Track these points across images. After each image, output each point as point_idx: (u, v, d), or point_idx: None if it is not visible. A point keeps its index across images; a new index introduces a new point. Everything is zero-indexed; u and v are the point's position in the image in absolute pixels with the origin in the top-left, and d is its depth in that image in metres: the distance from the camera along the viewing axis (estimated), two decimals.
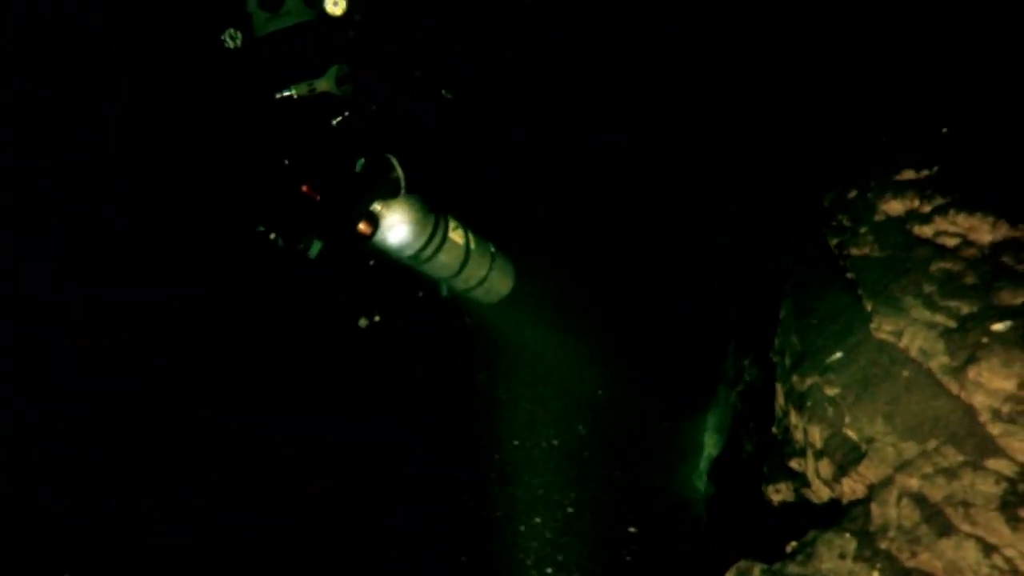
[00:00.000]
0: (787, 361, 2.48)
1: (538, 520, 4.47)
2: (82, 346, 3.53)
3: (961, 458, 1.61)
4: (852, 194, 2.60)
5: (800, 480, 2.19)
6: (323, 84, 2.42)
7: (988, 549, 1.38)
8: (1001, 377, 1.61)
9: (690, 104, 3.94)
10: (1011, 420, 1.54)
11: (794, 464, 2.25)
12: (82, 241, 3.27)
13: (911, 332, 1.96)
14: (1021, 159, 1.92)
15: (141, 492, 3.69)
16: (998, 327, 1.71)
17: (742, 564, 1.84)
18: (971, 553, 1.40)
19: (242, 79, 2.43)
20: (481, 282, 2.88)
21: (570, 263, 4.37)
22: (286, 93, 2.40)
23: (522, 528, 4.42)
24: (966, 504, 1.50)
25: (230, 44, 2.36)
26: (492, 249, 2.94)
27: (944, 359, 1.81)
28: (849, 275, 2.44)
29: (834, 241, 2.63)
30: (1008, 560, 1.35)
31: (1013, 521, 1.38)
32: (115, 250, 3.34)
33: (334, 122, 2.49)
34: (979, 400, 1.66)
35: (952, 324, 1.86)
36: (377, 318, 2.79)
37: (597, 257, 4.45)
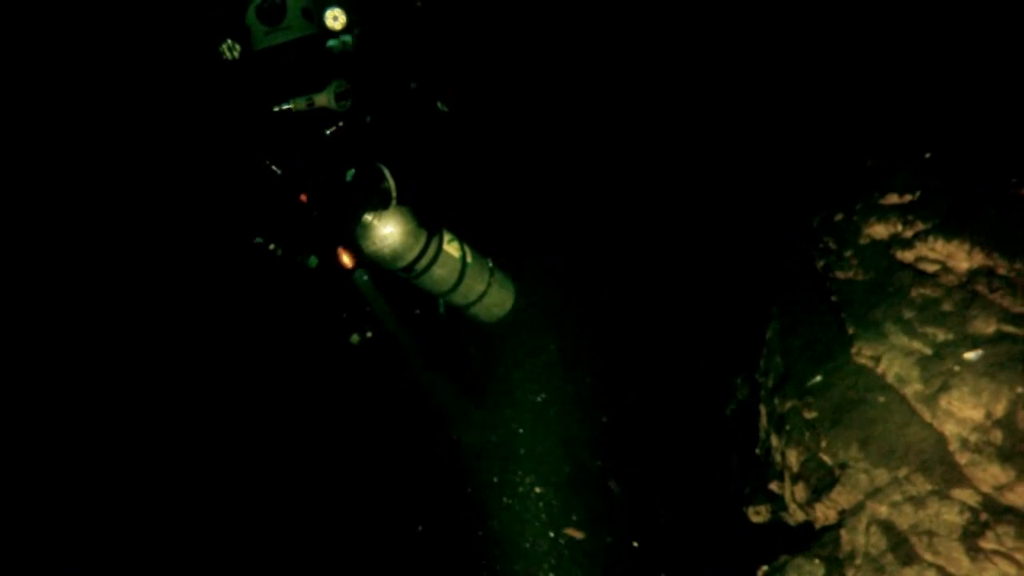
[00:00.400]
0: (770, 382, 2.49)
1: (536, 525, 4.47)
2: (83, 347, 3.58)
3: (929, 487, 1.61)
4: (839, 217, 2.61)
5: (778, 503, 2.19)
6: (322, 99, 2.40)
7: None
8: (970, 406, 1.62)
9: (687, 111, 3.94)
10: (977, 450, 1.55)
11: (773, 486, 2.26)
12: (82, 244, 3.32)
13: (889, 358, 1.97)
14: (997, 185, 1.92)
15: (141, 492, 3.72)
16: (969, 356, 1.71)
17: None
18: None
19: (239, 90, 2.45)
20: (480, 297, 2.82)
21: (569, 272, 4.37)
22: (285, 107, 2.39)
23: (522, 536, 4.43)
24: (931, 533, 1.51)
25: (228, 56, 2.35)
26: (490, 264, 2.88)
27: (918, 386, 1.81)
28: (833, 298, 2.44)
29: (820, 263, 2.64)
30: None
31: (972, 552, 1.39)
32: (116, 255, 3.39)
33: (328, 132, 2.47)
34: (949, 429, 1.66)
35: (928, 351, 1.87)
36: (370, 334, 2.77)
37: (599, 266, 4.44)
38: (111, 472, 3.69)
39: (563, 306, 4.43)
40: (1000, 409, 1.54)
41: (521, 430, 4.43)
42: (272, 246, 2.52)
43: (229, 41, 2.34)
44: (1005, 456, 1.47)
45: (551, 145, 3.91)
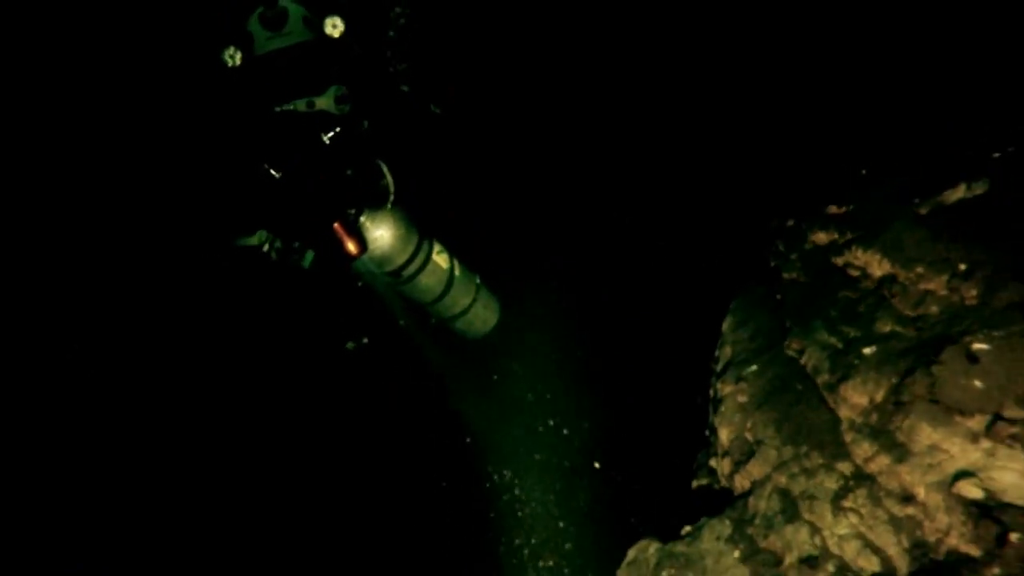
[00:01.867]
0: (718, 369, 2.77)
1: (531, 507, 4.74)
2: (79, 349, 3.78)
3: (821, 461, 1.90)
4: (790, 223, 2.88)
5: (714, 476, 2.49)
6: (322, 102, 2.54)
7: (814, 531, 1.68)
8: (859, 394, 1.90)
9: (670, 118, 4.15)
10: (858, 430, 1.83)
11: (712, 462, 2.55)
12: (80, 248, 3.53)
13: (810, 351, 2.25)
14: (907, 202, 2.18)
15: (141, 493, 3.91)
16: (867, 351, 1.99)
17: (643, 543, 2.16)
18: (802, 535, 1.71)
19: (241, 94, 2.55)
20: (464, 312, 2.90)
21: (563, 271, 4.59)
22: (287, 107, 2.50)
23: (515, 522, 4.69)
24: (812, 497, 1.80)
25: (229, 62, 2.48)
26: (477, 281, 2.96)
27: (827, 376, 2.09)
28: (778, 296, 2.72)
29: (772, 264, 2.91)
30: (823, 539, 1.65)
31: (836, 510, 1.68)
32: (114, 257, 3.61)
33: (326, 137, 2.53)
34: (843, 412, 1.95)
35: (840, 346, 2.15)
36: (365, 340, 2.92)
37: (593, 266, 4.66)
38: (111, 473, 3.88)
39: (557, 304, 4.67)
40: (880, 396, 1.82)
41: (516, 424, 4.64)
42: (267, 247, 2.61)
43: (231, 48, 2.47)
44: (875, 434, 1.75)
45: (540, 149, 4.16)
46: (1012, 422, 1.36)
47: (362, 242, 2.46)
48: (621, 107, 4.10)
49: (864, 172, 2.54)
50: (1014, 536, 1.24)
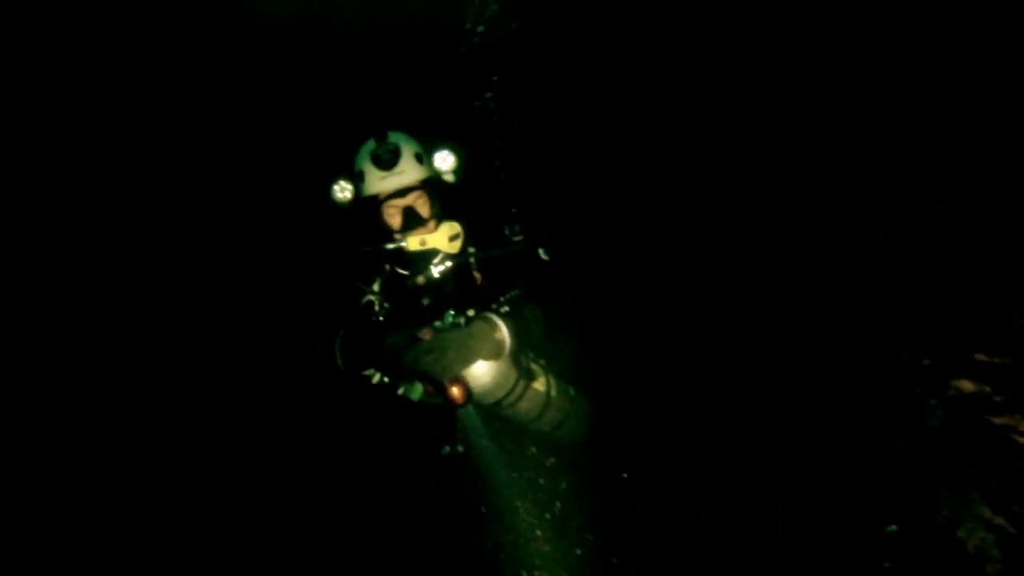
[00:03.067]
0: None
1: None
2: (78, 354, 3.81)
3: None
4: (927, 361, 2.70)
5: None
6: (434, 240, 2.43)
7: None
8: None
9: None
10: None
11: None
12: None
13: (970, 526, 2.06)
14: None
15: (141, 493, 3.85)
16: None
17: None
18: None
19: (351, 229, 2.48)
20: (557, 427, 2.78)
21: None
22: (400, 244, 2.40)
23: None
24: None
25: (340, 197, 2.44)
26: (572, 393, 2.84)
27: (999, 566, 1.90)
28: (920, 445, 2.53)
29: (909, 405, 2.72)
30: None
31: None
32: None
33: (437, 273, 2.48)
34: None
35: (1012, 530, 1.95)
36: (461, 448, 2.74)
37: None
38: (111, 473, 3.83)
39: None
40: None
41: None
42: (378, 378, 2.50)
43: (341, 182, 2.44)
44: None
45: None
46: None
47: (468, 391, 2.27)
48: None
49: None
50: None
